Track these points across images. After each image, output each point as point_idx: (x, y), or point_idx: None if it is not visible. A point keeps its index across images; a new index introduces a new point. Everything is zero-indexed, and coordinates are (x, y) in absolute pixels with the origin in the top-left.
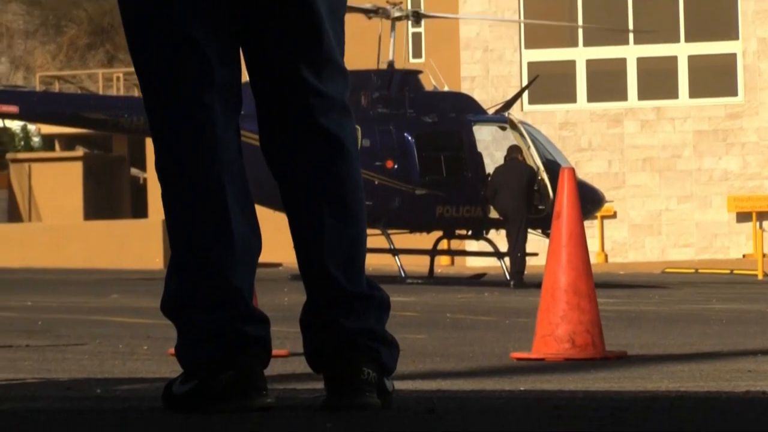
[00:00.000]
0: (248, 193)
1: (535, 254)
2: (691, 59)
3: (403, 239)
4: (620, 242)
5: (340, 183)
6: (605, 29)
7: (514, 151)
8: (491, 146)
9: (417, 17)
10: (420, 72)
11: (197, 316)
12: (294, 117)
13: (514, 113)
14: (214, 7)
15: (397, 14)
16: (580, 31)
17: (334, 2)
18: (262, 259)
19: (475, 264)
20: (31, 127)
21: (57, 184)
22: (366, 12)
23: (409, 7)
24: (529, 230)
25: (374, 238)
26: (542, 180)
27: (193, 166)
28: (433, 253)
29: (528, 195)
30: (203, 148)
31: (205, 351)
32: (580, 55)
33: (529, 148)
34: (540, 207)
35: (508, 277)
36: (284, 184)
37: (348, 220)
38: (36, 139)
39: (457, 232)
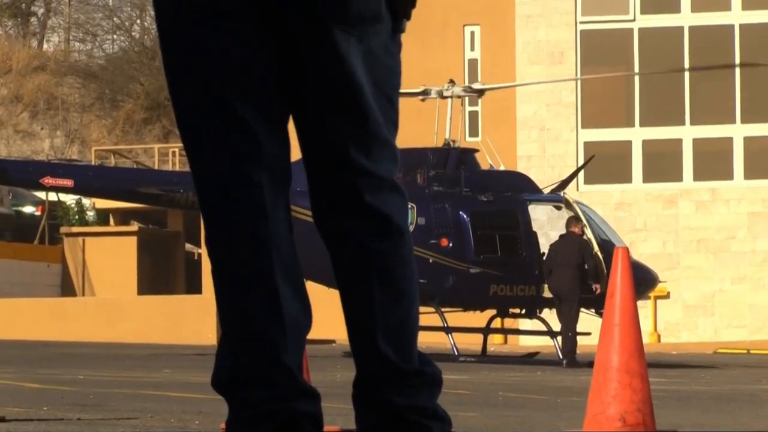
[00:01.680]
0: (299, 269)
1: (588, 333)
2: (747, 140)
3: (456, 317)
4: (673, 323)
5: (389, 260)
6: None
7: (571, 224)
8: (546, 225)
9: (471, 91)
10: (476, 150)
11: (248, 393)
12: (342, 195)
13: (570, 193)
14: (262, 85)
15: (448, 92)
16: (637, 111)
17: (381, 80)
18: (314, 335)
19: (528, 343)
20: (86, 202)
21: (111, 258)
22: (416, 95)
23: (466, 83)
24: (583, 309)
25: (428, 316)
26: (597, 258)
27: (240, 241)
28: (487, 331)
29: (582, 274)
30: (251, 223)
31: (257, 429)
32: (636, 135)
33: (584, 228)
34: (594, 286)
35: (560, 356)
36: (336, 260)
37: (397, 296)
38: (90, 214)
39: (511, 310)
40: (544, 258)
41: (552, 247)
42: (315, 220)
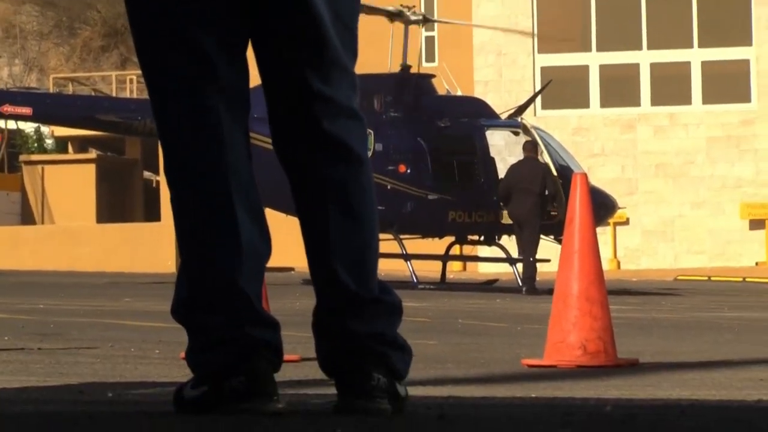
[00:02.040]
0: (257, 196)
1: (548, 260)
2: (705, 65)
3: (415, 244)
4: (633, 249)
5: (348, 187)
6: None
7: (528, 148)
8: (504, 151)
9: (427, 22)
10: (433, 76)
11: (206, 320)
12: (301, 121)
13: (527, 118)
14: (222, 13)
15: (413, 18)
16: (594, 36)
17: (340, 7)
18: (274, 263)
19: (487, 270)
20: (45, 129)
21: (70, 186)
22: (388, 14)
23: (423, 10)
24: (542, 236)
25: (386, 243)
26: (555, 184)
27: (197, 169)
28: (445, 258)
29: (542, 199)
30: (207, 150)
31: (215, 356)
32: (593, 60)
33: (542, 153)
34: (552, 213)
35: (520, 283)
36: (294, 187)
37: (356, 223)
38: (49, 142)
39: (470, 237)
40: (501, 182)
41: (510, 171)
42: (274, 147)
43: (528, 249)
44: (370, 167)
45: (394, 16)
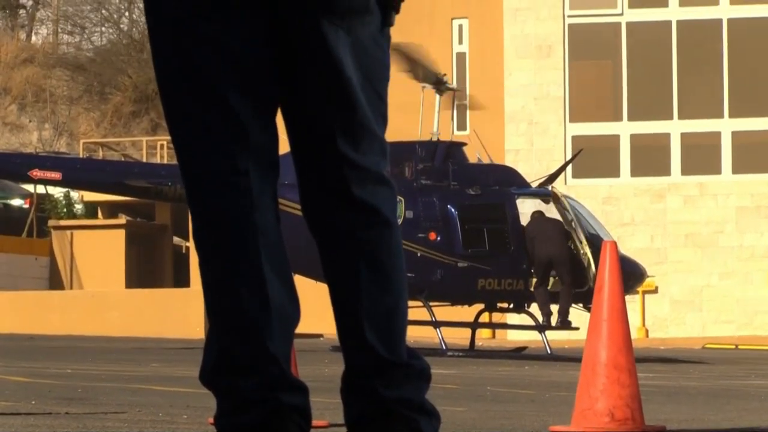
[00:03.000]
0: (286, 260)
1: (576, 328)
2: (735, 135)
3: (444, 312)
4: (661, 317)
5: (377, 250)
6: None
7: (537, 212)
8: None
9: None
10: (464, 144)
11: (236, 382)
12: (330, 186)
13: (558, 187)
14: (253, 76)
15: (447, 88)
16: (625, 105)
17: (369, 72)
18: (302, 329)
19: (516, 337)
20: (74, 195)
21: (99, 251)
22: (425, 79)
23: (455, 79)
24: (572, 305)
25: (416, 310)
26: (585, 254)
27: (227, 231)
28: (475, 325)
29: (567, 242)
30: (237, 214)
31: (244, 418)
32: (624, 129)
33: (572, 221)
34: (582, 280)
35: (549, 351)
36: (324, 250)
37: (385, 286)
38: (78, 207)
39: (499, 305)
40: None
41: (528, 224)
42: (303, 210)
43: (565, 282)
44: (399, 232)
45: (434, 84)
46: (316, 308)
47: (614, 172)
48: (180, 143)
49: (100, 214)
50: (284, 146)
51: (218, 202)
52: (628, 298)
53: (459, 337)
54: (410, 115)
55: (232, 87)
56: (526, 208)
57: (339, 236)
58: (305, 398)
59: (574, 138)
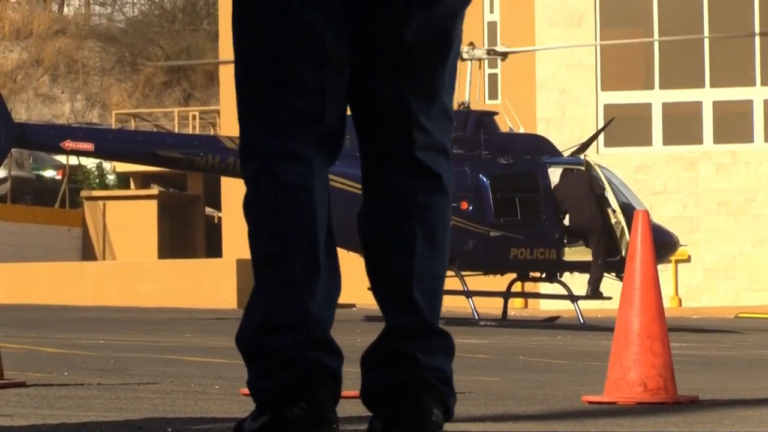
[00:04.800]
0: (332, 230)
1: (609, 298)
2: (767, 103)
3: (476, 281)
4: (694, 286)
5: (434, 217)
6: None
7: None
8: None
9: (495, 54)
10: (496, 113)
11: (275, 342)
12: (396, 148)
13: (590, 155)
14: (333, 50)
15: (468, 55)
16: (656, 74)
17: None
18: None
19: (548, 307)
20: (107, 165)
21: (131, 222)
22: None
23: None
24: (605, 275)
25: (448, 280)
26: (618, 222)
27: (291, 194)
28: (507, 295)
29: (597, 203)
30: (302, 179)
31: (279, 379)
32: (656, 97)
33: (604, 190)
34: (614, 249)
35: (581, 321)
36: (377, 211)
37: (436, 253)
38: (111, 177)
39: (531, 274)
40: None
41: (560, 183)
42: (363, 168)
43: (598, 250)
44: (451, 202)
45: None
46: (349, 279)
47: (646, 140)
48: (252, 118)
49: (132, 185)
50: None
51: (286, 169)
52: (660, 267)
53: (491, 306)
54: None
55: (310, 62)
56: (558, 177)
57: (400, 197)
58: (340, 363)
59: (606, 106)
